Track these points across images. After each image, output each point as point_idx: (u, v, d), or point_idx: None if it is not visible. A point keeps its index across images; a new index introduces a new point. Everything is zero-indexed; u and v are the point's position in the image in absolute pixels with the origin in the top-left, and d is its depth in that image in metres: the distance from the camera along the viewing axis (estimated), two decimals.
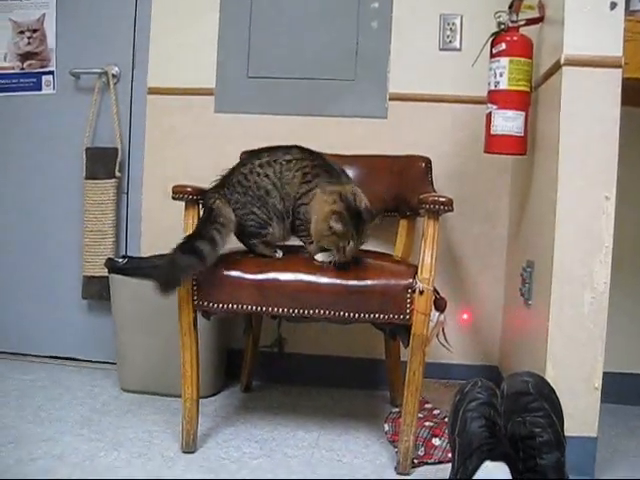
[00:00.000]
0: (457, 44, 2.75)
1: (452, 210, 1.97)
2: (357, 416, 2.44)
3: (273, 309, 1.98)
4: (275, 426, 2.32)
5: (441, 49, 2.77)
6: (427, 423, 2.20)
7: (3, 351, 3.09)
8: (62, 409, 2.42)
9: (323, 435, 2.25)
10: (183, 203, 2.11)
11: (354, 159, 2.66)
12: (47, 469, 1.91)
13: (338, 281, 1.96)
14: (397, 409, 2.34)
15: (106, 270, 2.67)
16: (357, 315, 1.97)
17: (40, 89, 3.02)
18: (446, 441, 2.09)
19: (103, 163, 2.85)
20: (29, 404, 2.46)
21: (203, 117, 2.86)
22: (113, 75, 2.89)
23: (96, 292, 2.85)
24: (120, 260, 2.58)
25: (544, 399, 1.64)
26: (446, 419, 2.19)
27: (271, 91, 2.83)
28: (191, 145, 2.87)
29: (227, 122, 2.84)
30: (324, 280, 1.96)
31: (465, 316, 2.78)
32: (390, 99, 2.77)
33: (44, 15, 3.01)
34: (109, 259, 2.63)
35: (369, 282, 1.95)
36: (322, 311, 1.97)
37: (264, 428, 2.30)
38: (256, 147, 2.67)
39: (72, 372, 2.89)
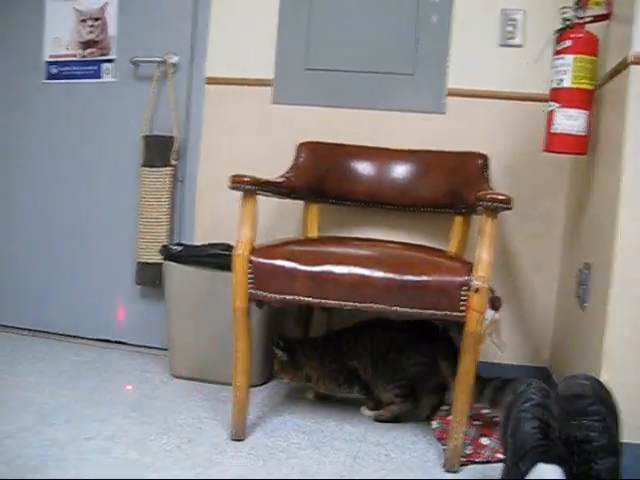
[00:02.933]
0: (518, 40, 2.71)
1: (510, 208, 1.95)
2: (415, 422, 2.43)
3: (327, 301, 1.98)
4: (322, 418, 2.33)
5: (501, 45, 2.73)
6: (475, 422, 2.18)
7: (58, 332, 3.16)
8: (114, 391, 2.47)
9: (370, 430, 2.25)
10: (239, 193, 2.10)
11: (410, 154, 2.66)
12: (101, 449, 1.95)
13: (393, 275, 1.95)
14: (446, 406, 2.32)
15: (160, 257, 2.71)
16: (410, 310, 1.96)
17: (100, 77, 3.07)
18: (495, 441, 2.08)
19: (160, 151, 2.88)
20: (83, 385, 2.51)
21: (260, 108, 2.87)
22: (172, 64, 2.92)
23: (149, 278, 2.89)
24: (175, 247, 2.60)
25: (601, 403, 1.61)
26: (495, 419, 2.19)
27: (329, 83, 2.83)
28: (247, 135, 2.89)
29: (284, 113, 2.85)
30: (379, 274, 1.95)
31: None
32: (448, 94, 2.74)
33: (106, 4, 3.05)
34: (164, 246, 2.66)
35: (424, 277, 1.94)
36: (375, 305, 1.96)
37: (311, 419, 2.31)
38: (311, 139, 2.70)
39: (123, 356, 2.94)
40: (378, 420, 2.32)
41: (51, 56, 3.13)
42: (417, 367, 2.30)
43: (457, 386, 1.96)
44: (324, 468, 1.93)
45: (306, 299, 2.00)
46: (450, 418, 2.04)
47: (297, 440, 2.12)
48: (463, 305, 1.91)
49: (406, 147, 2.67)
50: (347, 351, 2.37)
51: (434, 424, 2.25)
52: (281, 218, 2.80)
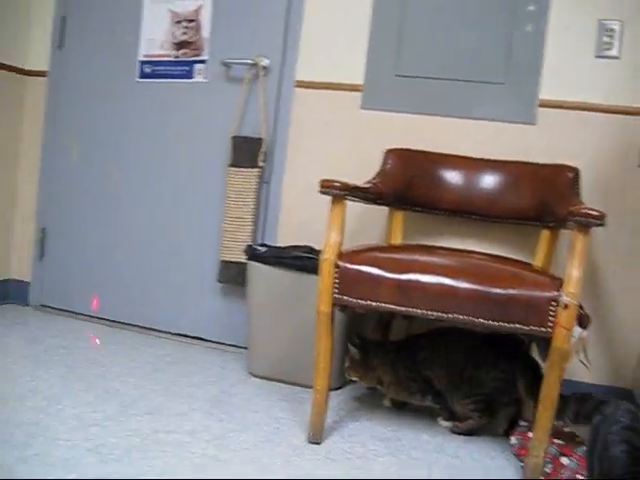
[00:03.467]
0: (615, 51, 2.65)
1: (603, 225, 1.90)
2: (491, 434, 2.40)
3: (411, 310, 1.98)
4: (400, 426, 2.32)
5: (597, 56, 2.67)
6: (556, 440, 2.14)
7: (137, 324, 3.24)
8: (193, 386, 2.51)
9: (447, 441, 2.23)
10: (324, 196, 2.11)
11: (498, 164, 2.63)
12: (181, 443, 1.99)
13: (480, 287, 1.92)
14: (525, 422, 2.28)
15: (243, 256, 2.75)
16: (496, 323, 1.93)
17: (192, 77, 3.13)
18: (575, 461, 2.03)
19: (248, 152, 2.91)
20: (163, 378, 2.56)
21: (348, 113, 2.88)
22: (263, 67, 2.95)
23: (231, 277, 2.93)
24: (259, 248, 2.63)
25: None
26: (576, 438, 2.14)
27: (418, 90, 2.82)
28: (335, 140, 2.91)
29: (372, 119, 2.85)
30: (465, 285, 1.94)
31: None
32: (540, 105, 2.70)
33: (201, 6, 3.11)
34: (249, 246, 2.69)
35: (512, 291, 1.91)
36: (461, 316, 1.94)
37: (389, 427, 2.30)
38: (399, 146, 2.70)
39: (202, 352, 2.99)
40: (454, 432, 2.30)
41: (145, 55, 3.21)
42: (495, 382, 2.27)
43: (540, 402, 1.93)
44: (401, 475, 1.93)
45: (391, 307, 1.99)
46: (530, 434, 2.00)
47: (374, 447, 2.12)
48: (551, 321, 1.87)
49: (493, 157, 2.64)
50: (421, 360, 2.35)
51: (513, 440, 2.21)
52: (364, 223, 2.81)
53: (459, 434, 2.29)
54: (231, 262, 2.91)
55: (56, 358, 2.67)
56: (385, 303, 2.00)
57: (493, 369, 2.27)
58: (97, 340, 3.01)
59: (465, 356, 2.30)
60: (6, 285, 3.52)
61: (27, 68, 3.44)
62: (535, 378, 2.26)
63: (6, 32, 3.32)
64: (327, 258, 2.02)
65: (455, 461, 2.08)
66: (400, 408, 2.46)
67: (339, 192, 2.06)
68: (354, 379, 2.43)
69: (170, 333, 3.18)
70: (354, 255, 2.07)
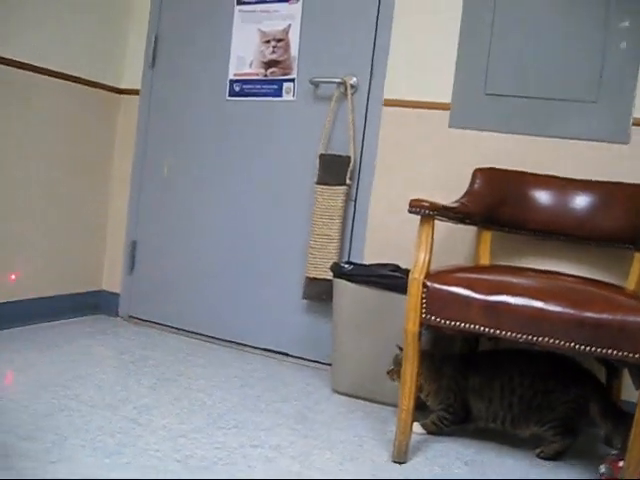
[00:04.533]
0: None
1: None
2: (568, 452, 2.34)
3: (501, 332, 1.95)
4: (484, 449, 2.28)
5: None
6: None
7: (224, 338, 3.29)
8: (279, 402, 2.53)
9: (534, 466, 2.19)
10: (411, 215, 2.10)
11: (589, 184, 2.57)
12: (267, 458, 2.01)
13: (572, 311, 1.89)
14: (615, 451, 2.22)
15: (328, 273, 2.77)
16: (588, 348, 1.89)
17: (281, 95, 3.18)
18: None
19: (335, 170, 2.94)
20: (250, 393, 2.60)
21: (436, 131, 2.87)
22: (351, 85, 2.98)
23: (316, 294, 2.95)
24: (346, 265, 2.65)
25: None
26: None
27: (508, 109, 2.78)
28: (422, 158, 2.90)
29: (460, 138, 2.84)
30: (557, 308, 1.90)
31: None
32: (634, 124, 2.63)
33: (289, 26, 3.16)
34: (335, 263, 2.71)
35: (605, 315, 1.86)
36: (551, 340, 1.91)
37: (472, 449, 2.27)
38: (488, 165, 2.67)
39: (286, 367, 3.02)
40: (540, 457, 2.25)
41: (235, 74, 3.28)
42: (567, 407, 2.22)
43: (633, 431, 1.87)
44: None
45: (479, 328, 1.98)
46: (620, 464, 1.95)
47: (458, 470, 2.09)
48: None
49: (584, 177, 2.58)
50: (473, 380, 2.30)
51: (602, 468, 2.15)
52: (451, 243, 2.79)
53: (545, 459, 2.24)
54: (316, 279, 2.93)
55: (145, 369, 2.74)
56: (473, 324, 1.98)
57: (563, 394, 2.22)
58: (188, 354, 3.07)
59: (533, 381, 2.24)
60: (97, 296, 3.63)
61: (121, 87, 3.57)
62: (607, 402, 2.24)
63: (102, 52, 3.45)
64: (415, 278, 2.02)
65: None
66: (483, 430, 2.42)
67: (428, 212, 2.05)
68: (397, 382, 2.34)
69: (256, 348, 3.22)
70: (443, 275, 2.06)
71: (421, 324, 2.02)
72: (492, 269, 2.32)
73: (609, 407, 2.24)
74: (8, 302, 3.11)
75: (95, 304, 3.62)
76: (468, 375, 2.32)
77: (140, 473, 1.81)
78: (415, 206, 2.06)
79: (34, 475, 1.73)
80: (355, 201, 3.00)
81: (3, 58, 2.91)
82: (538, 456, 2.25)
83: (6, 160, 3.02)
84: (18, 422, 2.06)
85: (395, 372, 2.37)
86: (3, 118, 2.97)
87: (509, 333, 1.95)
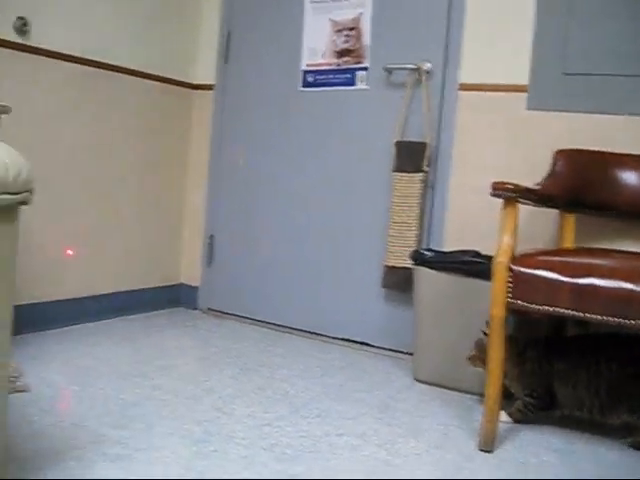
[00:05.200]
0: None
1: None
2: None
3: (590, 315, 1.89)
4: (574, 438, 2.22)
5: None
6: None
7: (303, 329, 3.31)
8: (361, 391, 2.52)
9: (626, 455, 2.11)
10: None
11: None
12: (352, 446, 2.00)
13: None
14: None
15: (408, 261, 2.74)
16: None
17: (354, 84, 3.16)
18: None
19: (412, 157, 2.91)
20: (331, 382, 2.60)
21: (514, 114, 2.81)
22: (425, 71, 2.93)
23: (395, 282, 2.93)
24: (426, 253, 2.62)
25: None
26: None
27: (587, 88, 2.69)
28: (500, 142, 2.84)
29: (539, 120, 2.76)
30: None
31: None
32: None
33: (361, 14, 3.14)
34: (415, 251, 2.68)
35: None
36: None
37: (562, 438, 2.21)
38: (568, 147, 2.60)
39: (366, 357, 3.01)
40: (633, 447, 2.18)
41: (308, 65, 3.28)
42: None
43: None
44: None
45: (567, 312, 1.92)
46: None
47: (548, 458, 2.04)
48: None
49: None
50: (558, 365, 2.23)
51: None
52: (532, 227, 2.72)
53: (637, 449, 2.16)
54: (396, 267, 2.91)
55: (227, 360, 2.77)
56: (561, 308, 1.92)
57: None
58: (267, 345, 3.09)
59: (621, 366, 2.16)
60: (177, 290, 3.69)
61: (195, 82, 3.61)
62: None
63: (176, 49, 3.50)
64: (500, 261, 1.97)
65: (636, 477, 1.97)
66: (570, 418, 2.36)
67: (511, 194, 2.01)
68: (479, 368, 2.32)
69: (335, 338, 3.22)
70: (528, 258, 2.01)
71: (507, 309, 1.98)
72: (578, 252, 2.26)
73: None
74: (89, 296, 3.19)
75: (174, 298, 3.67)
76: (553, 359, 2.25)
77: (227, 460, 1.82)
78: (498, 189, 2.01)
79: (121, 459, 1.77)
80: (433, 188, 2.96)
81: (86, 59, 2.99)
82: (630, 446, 2.18)
83: (88, 157, 3.09)
84: (107, 411, 2.11)
85: (477, 358, 2.33)
86: (86, 117, 3.05)
87: (598, 316, 1.89)
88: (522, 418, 2.29)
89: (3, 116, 2.21)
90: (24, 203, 1.40)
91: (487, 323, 2.16)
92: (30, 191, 1.40)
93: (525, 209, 2.45)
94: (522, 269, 1.96)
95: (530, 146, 2.77)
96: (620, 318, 1.87)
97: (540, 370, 2.26)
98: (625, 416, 2.15)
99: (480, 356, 2.30)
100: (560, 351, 2.27)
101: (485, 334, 2.25)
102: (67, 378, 2.39)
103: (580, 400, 2.20)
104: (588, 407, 2.19)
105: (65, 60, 2.91)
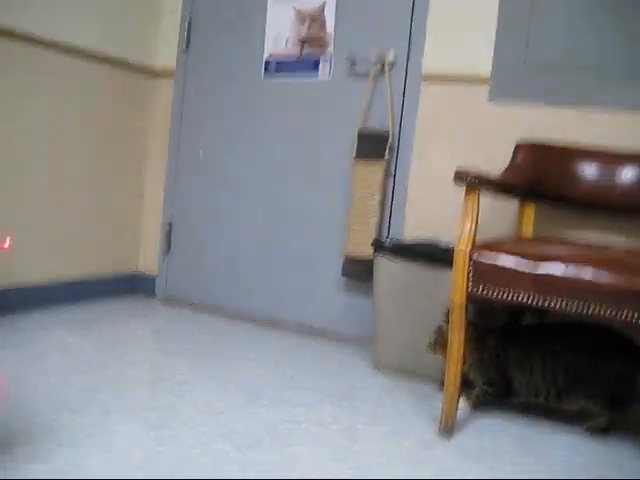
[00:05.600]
0: None
1: None
2: (623, 430, 2.28)
3: (550, 304, 1.90)
4: (532, 423, 2.24)
5: None
6: None
7: (259, 318, 3.30)
8: (319, 379, 2.51)
9: (585, 442, 2.13)
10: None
11: (636, 157, 2.51)
12: (312, 433, 1.99)
13: (625, 280, 1.83)
14: None
15: (368, 251, 2.74)
16: None
17: (317, 74, 3.14)
18: None
19: (374, 145, 2.90)
20: (288, 371, 2.58)
21: (476, 105, 2.82)
22: (389, 61, 2.93)
23: (356, 272, 2.92)
24: (387, 241, 2.61)
25: None
26: None
27: (550, 80, 2.71)
28: (462, 133, 2.85)
29: (500, 111, 2.78)
30: (610, 278, 1.84)
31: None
32: None
33: (324, 3, 3.12)
34: (376, 239, 2.68)
35: None
36: (603, 311, 1.85)
37: (520, 423, 2.23)
38: (529, 138, 2.62)
39: (325, 346, 3.00)
40: (589, 431, 2.21)
41: (270, 54, 3.25)
42: (614, 378, 2.17)
43: None
44: (537, 474, 1.85)
45: (528, 300, 1.93)
46: None
47: (507, 443, 2.05)
48: None
49: (630, 149, 2.52)
50: (514, 352, 2.26)
51: None
52: (491, 217, 2.74)
53: (593, 433, 2.19)
54: (355, 257, 2.90)
55: (183, 349, 2.73)
56: (522, 296, 1.93)
57: (610, 366, 2.17)
58: (222, 333, 3.06)
59: (578, 354, 2.19)
60: (134, 278, 3.64)
61: (155, 69, 3.56)
62: None
63: (135, 34, 3.44)
64: (462, 249, 1.97)
65: (595, 462, 1.99)
66: (527, 405, 2.38)
67: (473, 181, 2.01)
68: (439, 355, 2.33)
69: (294, 327, 3.21)
70: (489, 247, 2.01)
71: (468, 296, 1.98)
72: (538, 241, 2.28)
73: None
74: (44, 284, 3.12)
75: (132, 286, 3.63)
76: (510, 347, 2.27)
77: (186, 446, 1.80)
78: (461, 175, 2.01)
79: (78, 445, 1.73)
80: (394, 177, 2.96)
81: (41, 39, 2.92)
82: (587, 431, 2.21)
83: (41, 143, 3.02)
84: (62, 397, 2.06)
85: (437, 344, 2.33)
86: (36, 101, 2.98)
87: (559, 304, 1.90)
88: (479, 405, 2.31)
89: None
90: None
91: (447, 311, 2.18)
92: None
93: (485, 201, 2.47)
94: (483, 257, 1.96)
95: (492, 138, 2.78)
96: (581, 306, 1.89)
97: (497, 358, 2.27)
98: (582, 402, 2.18)
99: (440, 343, 2.30)
100: (517, 339, 2.29)
101: (445, 321, 2.26)
102: (21, 364, 2.34)
103: (536, 387, 2.22)
104: (544, 394, 2.22)
105: (21, 40, 2.84)
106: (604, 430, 2.19)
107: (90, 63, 3.17)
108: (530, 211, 2.58)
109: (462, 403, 2.27)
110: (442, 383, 2.10)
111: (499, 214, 2.74)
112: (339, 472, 1.74)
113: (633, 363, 2.17)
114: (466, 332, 2.02)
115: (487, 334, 2.31)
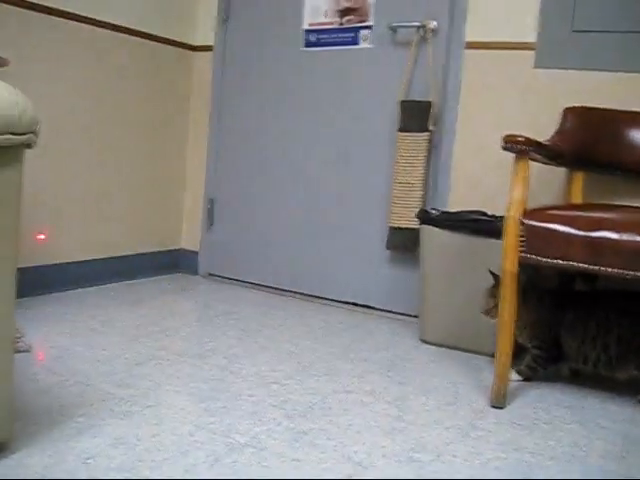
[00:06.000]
0: None
1: None
2: None
3: (604, 269, 1.86)
4: (583, 395, 2.20)
5: None
6: None
7: (304, 292, 3.28)
8: (367, 351, 2.50)
9: (638, 412, 2.10)
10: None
11: None
12: (362, 402, 1.98)
13: None
14: None
15: (412, 222, 2.71)
16: None
17: (358, 43, 3.10)
18: None
19: (417, 116, 2.86)
20: (337, 342, 2.58)
21: (521, 73, 2.76)
22: (431, 29, 2.88)
23: (400, 243, 2.89)
24: (433, 211, 2.58)
25: None
26: None
27: (596, 45, 2.64)
28: (507, 101, 2.79)
29: (547, 78, 2.72)
30: None
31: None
32: None
33: None
34: (422, 210, 2.65)
35: None
36: None
37: (571, 395, 2.20)
38: (577, 105, 2.56)
39: (370, 319, 2.99)
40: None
41: (310, 24, 3.22)
42: None
43: None
44: (593, 444, 1.82)
45: (581, 266, 1.89)
46: None
47: (560, 414, 2.02)
48: None
49: None
50: (568, 316, 2.21)
51: None
52: (539, 186, 2.68)
53: None
54: (400, 228, 2.87)
55: (230, 322, 2.74)
56: (575, 262, 1.90)
57: None
58: (268, 308, 3.06)
59: (632, 321, 2.14)
60: (177, 254, 3.65)
61: (195, 44, 3.54)
62: None
63: (174, 10, 3.42)
64: (511, 216, 1.94)
65: None
66: (578, 376, 2.34)
67: (523, 147, 1.97)
68: (493, 320, 2.22)
69: (338, 301, 3.19)
70: (540, 212, 1.98)
71: (519, 263, 1.95)
72: (590, 206, 2.23)
73: None
74: (88, 260, 3.15)
75: (174, 262, 3.64)
76: (563, 311, 2.23)
77: (237, 417, 1.80)
78: (510, 142, 1.97)
79: (129, 417, 1.74)
80: (438, 148, 2.91)
81: (84, 17, 2.92)
82: (639, 402, 2.17)
83: (84, 119, 3.03)
84: (112, 370, 2.08)
85: (495, 307, 2.17)
86: (82, 76, 2.98)
87: (611, 269, 1.86)
88: (531, 375, 2.28)
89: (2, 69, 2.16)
90: (29, 146, 1.35)
91: (491, 272, 2.20)
92: (35, 132, 1.35)
93: (534, 168, 2.41)
94: (534, 223, 1.93)
95: (537, 105, 2.72)
96: (634, 271, 1.85)
97: (549, 320, 2.24)
98: (634, 372, 2.14)
99: (495, 305, 2.17)
100: (571, 303, 2.24)
101: (493, 275, 2.23)
102: (70, 339, 2.36)
103: (585, 354, 2.18)
104: (594, 361, 2.17)
105: (67, 18, 2.85)
106: None
107: (131, 38, 3.17)
108: (579, 179, 2.52)
109: (513, 375, 2.25)
110: (491, 356, 2.07)
111: (547, 183, 2.68)
112: (391, 442, 1.73)
113: None
114: (519, 297, 1.99)
115: (542, 296, 2.27)
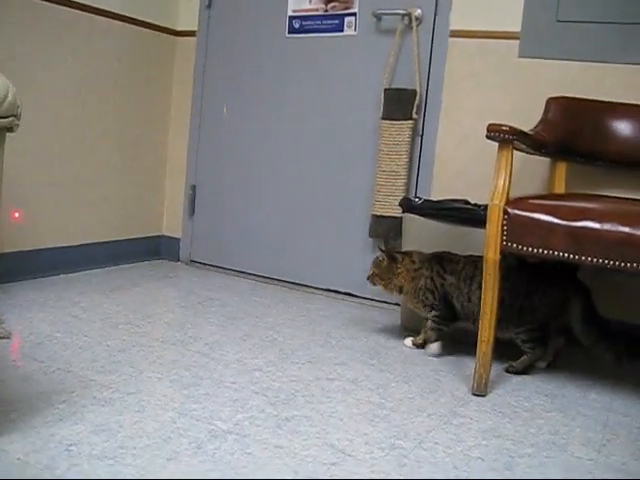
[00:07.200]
0: None
1: None
2: None
3: (586, 258, 1.88)
4: (564, 383, 2.22)
5: None
6: None
7: (286, 280, 3.28)
8: (349, 339, 2.51)
9: (617, 400, 2.12)
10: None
11: None
12: (345, 389, 1.99)
13: None
14: None
15: (396, 211, 2.71)
16: None
17: (342, 30, 3.09)
18: None
19: (400, 104, 2.85)
20: (318, 330, 2.58)
21: (505, 62, 2.76)
22: (416, 17, 2.87)
23: (383, 232, 2.89)
24: (416, 199, 2.58)
25: None
26: None
27: (581, 36, 2.65)
28: (490, 90, 2.80)
29: (531, 68, 2.72)
30: None
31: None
32: None
33: None
34: (405, 198, 2.65)
35: None
36: (637, 264, 1.83)
37: (552, 383, 2.21)
38: (560, 95, 2.57)
39: (353, 307, 3.00)
40: (509, 372, 2.26)
41: (294, 10, 3.20)
42: (547, 307, 2.21)
43: None
44: (573, 432, 1.84)
45: (563, 255, 1.90)
46: None
47: (540, 402, 2.04)
48: None
49: None
50: (450, 278, 2.33)
51: None
52: (522, 175, 2.69)
53: (514, 373, 2.25)
54: (383, 217, 2.88)
55: (212, 309, 2.74)
56: (557, 251, 1.91)
57: (545, 294, 2.21)
58: (251, 294, 3.06)
59: (516, 285, 2.21)
60: (158, 241, 3.64)
61: (178, 29, 3.51)
62: (588, 302, 2.21)
63: None
64: (496, 204, 1.95)
65: (629, 420, 1.97)
66: (552, 365, 2.36)
67: (507, 136, 1.97)
68: (378, 285, 2.46)
69: (320, 289, 3.19)
70: (523, 201, 1.98)
71: (502, 252, 1.96)
72: (572, 196, 2.25)
73: (588, 308, 2.21)
74: (69, 246, 3.12)
75: (156, 249, 3.63)
76: (445, 273, 2.35)
77: (219, 404, 1.80)
78: (494, 131, 1.98)
79: (111, 404, 1.73)
80: (422, 136, 2.91)
81: (64, 0, 2.89)
82: (507, 370, 2.27)
83: (64, 103, 3.00)
84: (93, 356, 2.07)
85: (375, 275, 2.45)
86: (62, 60, 2.95)
87: (592, 259, 1.88)
88: (435, 336, 2.39)
89: None
90: (10, 130, 1.34)
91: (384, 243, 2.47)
92: (16, 116, 1.33)
93: (515, 158, 2.42)
94: (517, 212, 1.94)
95: (522, 95, 2.73)
96: (616, 261, 1.86)
97: (434, 285, 2.35)
98: (513, 335, 2.25)
99: (378, 275, 2.43)
100: (454, 266, 2.35)
101: (382, 251, 2.43)
102: (51, 326, 2.34)
103: (472, 313, 2.28)
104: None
105: (47, 1, 2.81)
106: (524, 370, 2.27)
107: (114, 22, 3.13)
108: (562, 168, 2.54)
109: (408, 342, 2.46)
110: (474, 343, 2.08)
111: (530, 172, 2.68)
112: (373, 429, 1.74)
113: (569, 289, 2.22)
114: (403, 261, 2.29)
115: (425, 262, 2.39)
